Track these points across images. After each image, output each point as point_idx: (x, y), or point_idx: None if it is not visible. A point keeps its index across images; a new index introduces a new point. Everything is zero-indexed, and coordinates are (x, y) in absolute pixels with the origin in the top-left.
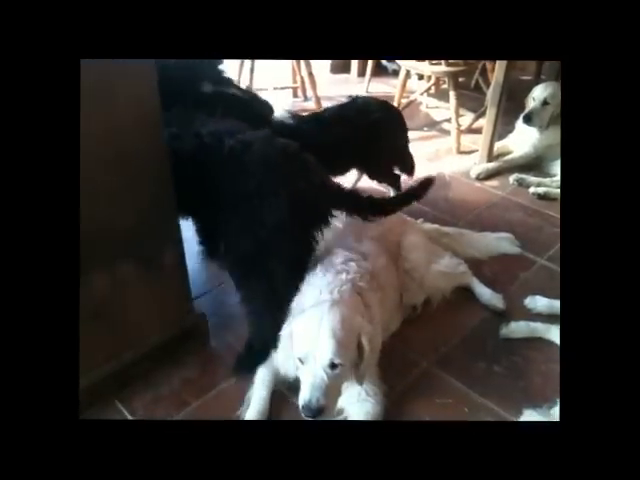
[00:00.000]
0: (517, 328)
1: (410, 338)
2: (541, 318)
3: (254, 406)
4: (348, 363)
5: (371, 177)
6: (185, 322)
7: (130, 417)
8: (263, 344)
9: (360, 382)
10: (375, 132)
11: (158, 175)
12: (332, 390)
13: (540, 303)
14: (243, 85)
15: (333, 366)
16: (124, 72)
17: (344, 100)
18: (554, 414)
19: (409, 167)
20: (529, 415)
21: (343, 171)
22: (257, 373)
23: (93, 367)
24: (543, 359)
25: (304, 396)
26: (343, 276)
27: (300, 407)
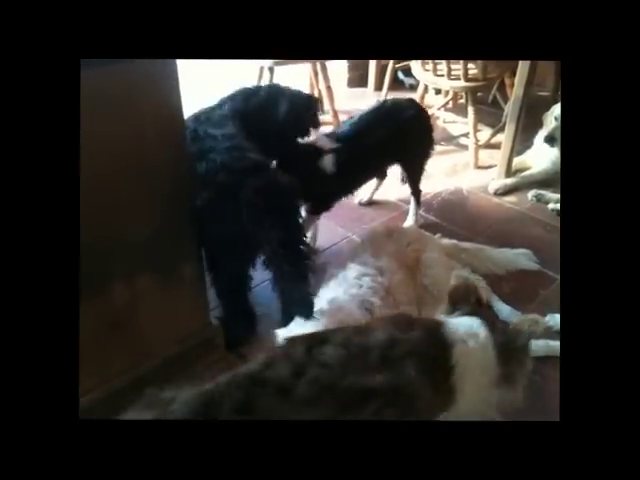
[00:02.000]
0: (536, 347)
1: None
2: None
3: None
4: None
5: (407, 171)
6: (202, 334)
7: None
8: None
9: None
10: (409, 127)
11: (179, 186)
12: None
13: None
14: None
15: None
16: (147, 82)
17: (374, 105)
18: None
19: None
20: None
21: (383, 171)
22: None
23: (110, 379)
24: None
25: None
26: (353, 291)
27: None
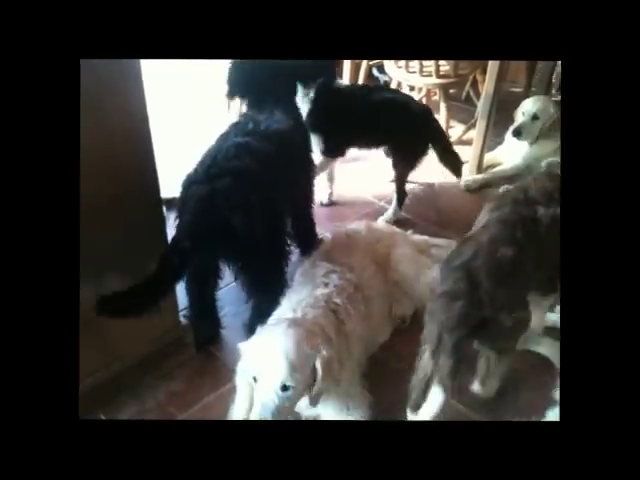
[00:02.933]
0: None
1: (400, 350)
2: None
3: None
4: (301, 385)
5: (398, 154)
6: (172, 334)
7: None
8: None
9: (313, 404)
10: (410, 110)
11: (146, 190)
12: (282, 411)
13: None
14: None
15: (285, 388)
16: (114, 88)
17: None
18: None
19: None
20: None
21: (376, 142)
22: (239, 384)
23: (80, 379)
24: (535, 373)
25: (254, 416)
26: (318, 292)
27: None
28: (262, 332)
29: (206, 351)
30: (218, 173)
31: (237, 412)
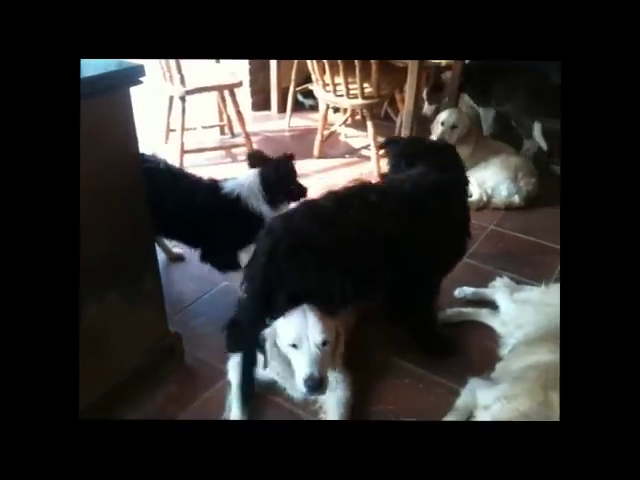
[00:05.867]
0: (452, 314)
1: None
2: (470, 304)
3: (236, 408)
4: (332, 342)
5: None
6: (163, 343)
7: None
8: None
9: (334, 367)
10: None
11: (137, 209)
12: (325, 364)
13: (467, 292)
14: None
15: (324, 343)
16: (105, 115)
17: None
18: (495, 377)
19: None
20: (473, 382)
21: None
22: (232, 378)
23: (84, 392)
24: (478, 337)
25: (305, 371)
26: None
27: (302, 382)
28: (286, 316)
29: (192, 356)
30: None
31: (234, 414)
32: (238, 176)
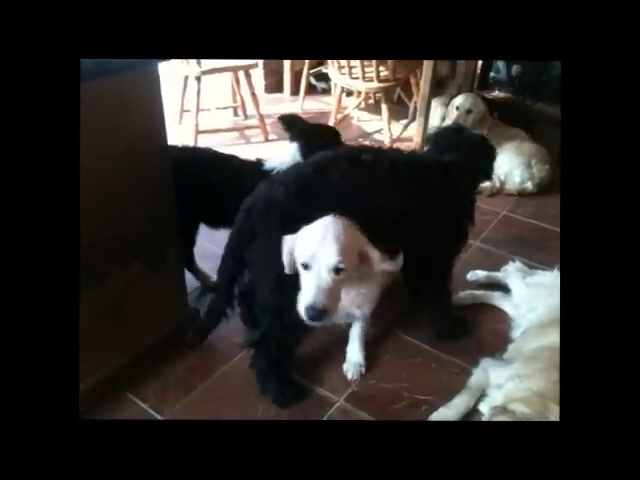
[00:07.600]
0: (464, 297)
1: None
2: (482, 287)
3: None
4: (349, 270)
5: None
6: (183, 316)
7: (142, 404)
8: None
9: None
10: None
11: (162, 184)
12: (334, 294)
13: (480, 275)
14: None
15: (337, 271)
16: (132, 89)
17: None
18: (507, 357)
19: None
20: (486, 362)
21: None
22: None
23: (107, 361)
24: (490, 320)
25: (307, 298)
26: None
27: (303, 310)
28: (308, 226)
29: (197, 344)
30: None
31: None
32: (278, 153)
